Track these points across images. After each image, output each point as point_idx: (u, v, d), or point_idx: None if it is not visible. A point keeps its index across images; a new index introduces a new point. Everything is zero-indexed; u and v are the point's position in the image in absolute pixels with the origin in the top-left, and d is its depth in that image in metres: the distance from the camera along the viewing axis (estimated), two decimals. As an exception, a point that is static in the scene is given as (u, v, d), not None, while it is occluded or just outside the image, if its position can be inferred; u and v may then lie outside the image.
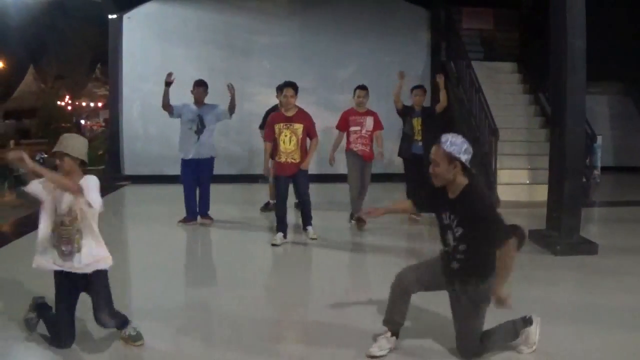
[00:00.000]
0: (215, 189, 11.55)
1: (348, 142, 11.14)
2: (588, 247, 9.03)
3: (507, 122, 14.67)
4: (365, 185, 11.13)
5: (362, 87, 11.24)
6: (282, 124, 9.73)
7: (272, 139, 9.81)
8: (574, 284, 7.95)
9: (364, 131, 10.99)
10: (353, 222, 11.06)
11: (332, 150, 11.31)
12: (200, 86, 11.23)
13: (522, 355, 5.28)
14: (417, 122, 11.62)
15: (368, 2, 17.81)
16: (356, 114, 11.12)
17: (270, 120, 9.97)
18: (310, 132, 9.86)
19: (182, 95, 11.33)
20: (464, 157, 5.05)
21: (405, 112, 11.76)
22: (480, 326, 5.14)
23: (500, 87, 16.60)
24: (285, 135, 9.67)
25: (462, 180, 5.10)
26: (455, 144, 5.07)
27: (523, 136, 15.19)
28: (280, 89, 9.98)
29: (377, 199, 12.14)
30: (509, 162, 14.11)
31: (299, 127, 9.71)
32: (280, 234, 9.88)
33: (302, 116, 9.86)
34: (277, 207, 10.12)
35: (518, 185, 13.78)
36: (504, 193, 13.34)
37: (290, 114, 9.76)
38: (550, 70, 9.50)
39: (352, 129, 11.03)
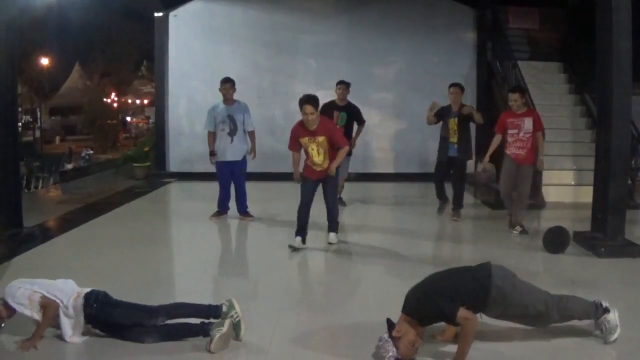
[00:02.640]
0: (259, 187, 11.66)
1: (504, 146, 10.57)
2: (632, 250, 8.93)
3: (553, 123, 14.51)
4: (521, 192, 10.43)
5: (515, 90, 10.64)
6: (306, 138, 9.31)
7: (298, 149, 9.53)
8: (618, 286, 7.87)
9: (521, 134, 10.27)
10: (515, 231, 10.50)
11: (487, 154, 10.73)
12: (227, 82, 11.27)
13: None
14: (453, 123, 11.37)
15: (414, 1, 17.77)
16: (514, 116, 10.40)
17: (294, 134, 9.50)
18: (335, 141, 9.31)
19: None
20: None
21: (441, 115, 11.49)
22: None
23: (546, 87, 16.46)
24: (312, 149, 9.30)
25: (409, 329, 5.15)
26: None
27: (569, 137, 15.03)
28: (300, 105, 9.17)
29: (412, 200, 12.15)
30: (555, 162, 13.99)
31: (322, 140, 9.22)
32: (299, 238, 9.47)
33: (325, 127, 9.31)
34: (299, 212, 9.56)
35: (563, 187, 13.69)
36: (549, 194, 13.30)
37: (312, 127, 9.20)
38: (596, 70, 9.43)
39: (510, 131, 10.41)
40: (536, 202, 13.10)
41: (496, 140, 10.59)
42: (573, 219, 11.28)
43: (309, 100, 9.06)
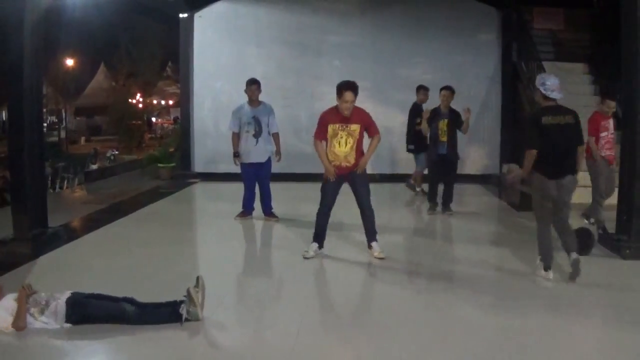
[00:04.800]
0: (284, 188, 11.66)
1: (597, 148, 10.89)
2: (658, 252, 8.86)
3: (577, 124, 14.46)
4: (611, 190, 10.90)
5: (611, 96, 11.07)
6: (337, 125, 8.64)
7: (324, 139, 8.79)
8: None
9: (609, 135, 10.84)
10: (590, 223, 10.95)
11: (598, 156, 10.90)
12: (253, 84, 11.30)
13: None
14: (443, 124, 11.87)
15: (439, 1, 17.71)
16: (605, 118, 10.89)
17: (324, 120, 8.78)
18: (370, 129, 8.76)
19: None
20: None
21: (433, 118, 11.96)
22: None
23: (571, 88, 16.32)
24: (341, 137, 8.63)
25: None
26: None
27: (594, 138, 14.96)
28: (339, 90, 8.52)
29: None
30: (580, 164, 13.91)
31: (356, 128, 8.61)
32: (315, 245, 8.95)
33: (359, 115, 8.68)
34: (319, 215, 8.99)
35: (589, 188, 13.61)
36: (575, 195, 13.22)
37: (347, 113, 8.52)
38: (621, 72, 9.38)
39: (601, 134, 10.82)
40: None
41: (593, 143, 10.81)
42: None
43: (350, 86, 8.50)
